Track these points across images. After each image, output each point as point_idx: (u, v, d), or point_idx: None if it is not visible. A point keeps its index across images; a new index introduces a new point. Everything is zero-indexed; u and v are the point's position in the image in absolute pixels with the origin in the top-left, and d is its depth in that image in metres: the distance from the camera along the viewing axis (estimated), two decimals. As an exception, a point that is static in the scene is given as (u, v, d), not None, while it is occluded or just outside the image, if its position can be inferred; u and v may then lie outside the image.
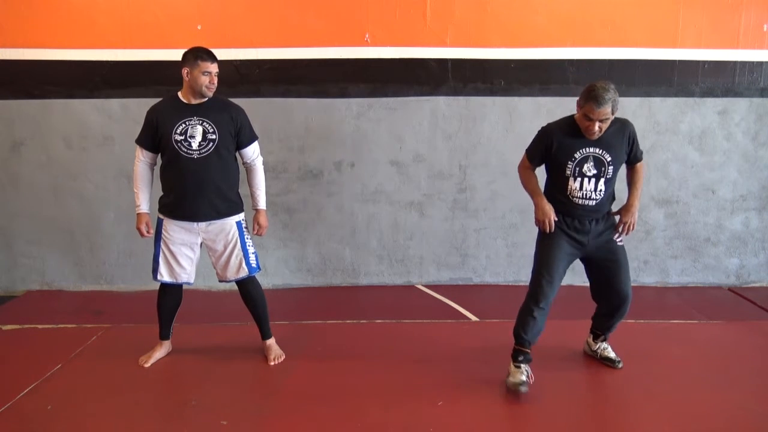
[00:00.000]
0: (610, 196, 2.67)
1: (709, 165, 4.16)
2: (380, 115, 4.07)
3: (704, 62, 4.00)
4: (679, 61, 3.99)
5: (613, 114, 2.47)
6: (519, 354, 2.67)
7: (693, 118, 4.09)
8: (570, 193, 2.62)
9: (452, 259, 4.28)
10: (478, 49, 3.96)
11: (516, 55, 3.97)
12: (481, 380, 2.77)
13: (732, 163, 4.17)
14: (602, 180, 2.58)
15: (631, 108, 4.04)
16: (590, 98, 2.42)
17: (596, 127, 2.48)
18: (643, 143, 4.06)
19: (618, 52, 3.97)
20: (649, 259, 4.26)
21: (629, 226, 2.65)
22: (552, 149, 2.62)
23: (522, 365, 2.65)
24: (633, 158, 2.69)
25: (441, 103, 4.05)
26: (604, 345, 2.93)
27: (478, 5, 3.92)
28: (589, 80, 2.58)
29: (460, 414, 2.46)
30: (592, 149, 2.57)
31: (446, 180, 4.16)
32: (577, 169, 2.59)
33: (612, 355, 2.89)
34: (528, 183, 2.74)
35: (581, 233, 2.65)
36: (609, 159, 2.57)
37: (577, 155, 2.58)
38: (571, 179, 2.60)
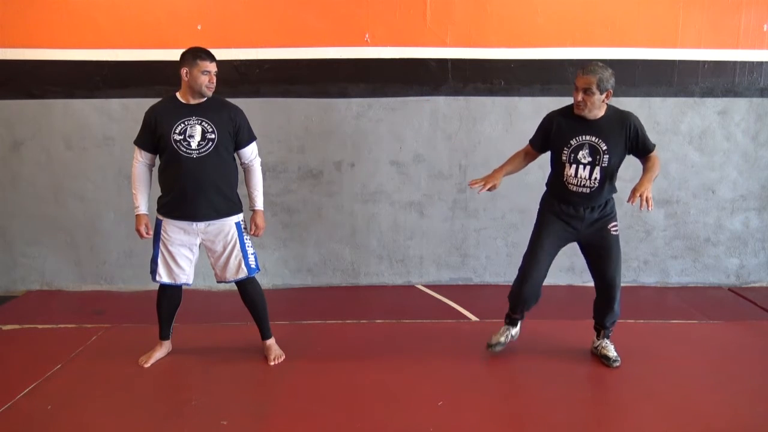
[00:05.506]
0: (607, 187, 2.69)
1: (709, 165, 4.16)
2: (380, 115, 4.06)
3: (704, 62, 4.00)
4: (679, 61, 3.99)
5: (599, 89, 2.52)
6: (507, 317, 3.00)
7: (693, 118, 4.09)
8: (566, 180, 2.70)
9: (452, 259, 4.28)
10: (478, 49, 3.96)
11: (516, 55, 3.97)
12: (481, 380, 2.77)
13: (732, 163, 4.16)
14: (597, 168, 2.62)
15: (631, 108, 3.96)
16: (580, 68, 2.57)
17: (579, 97, 2.56)
18: (643, 143, 4.09)
19: (618, 52, 3.96)
20: (649, 259, 4.25)
21: (641, 194, 2.44)
22: (551, 134, 2.72)
23: (506, 326, 2.98)
24: (642, 150, 2.67)
25: (441, 103, 4.04)
26: (605, 343, 2.93)
27: (478, 5, 3.91)
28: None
29: (460, 414, 2.46)
30: (588, 137, 2.62)
31: (446, 180, 4.16)
32: (573, 155, 2.65)
33: (610, 354, 2.88)
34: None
35: (575, 219, 2.73)
36: (605, 148, 2.61)
37: (573, 142, 2.64)
38: (567, 165, 2.67)
